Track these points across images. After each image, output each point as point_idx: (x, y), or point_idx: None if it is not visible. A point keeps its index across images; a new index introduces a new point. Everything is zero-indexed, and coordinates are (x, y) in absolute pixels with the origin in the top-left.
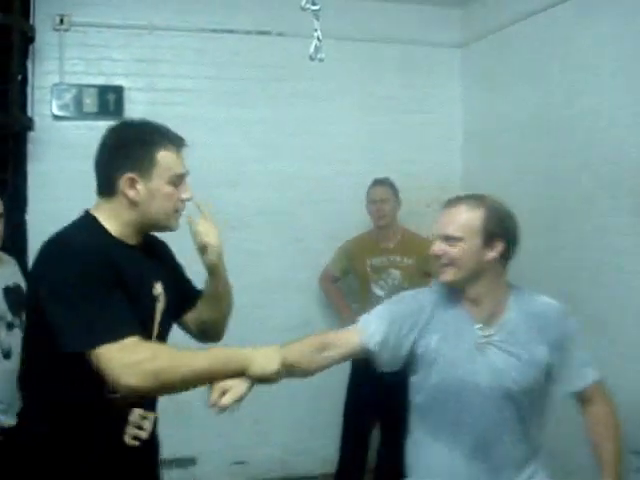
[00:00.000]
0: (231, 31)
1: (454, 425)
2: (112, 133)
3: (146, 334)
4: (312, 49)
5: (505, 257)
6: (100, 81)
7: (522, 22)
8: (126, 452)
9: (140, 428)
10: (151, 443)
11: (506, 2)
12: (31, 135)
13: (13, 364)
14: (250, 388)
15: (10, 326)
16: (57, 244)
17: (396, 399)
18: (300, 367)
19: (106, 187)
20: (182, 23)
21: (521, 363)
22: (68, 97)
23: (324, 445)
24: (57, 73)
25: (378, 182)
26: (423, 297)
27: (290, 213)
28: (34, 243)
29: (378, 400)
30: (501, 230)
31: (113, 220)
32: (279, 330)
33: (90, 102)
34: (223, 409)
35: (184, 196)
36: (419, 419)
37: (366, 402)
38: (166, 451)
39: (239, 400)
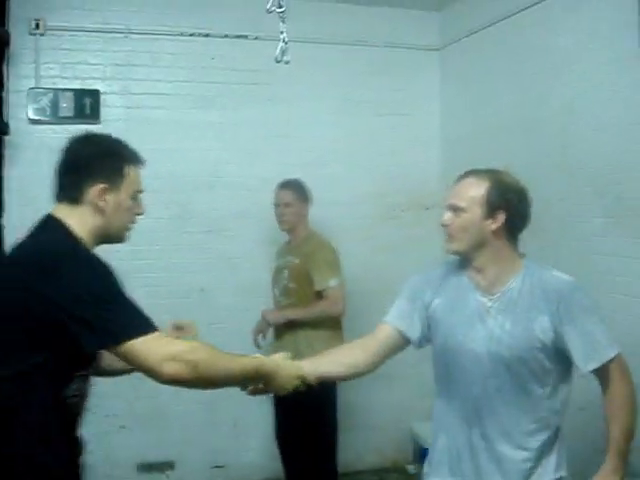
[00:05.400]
0: (207, 35)
1: (450, 387)
2: (82, 144)
3: None
4: (278, 51)
5: (509, 229)
6: (76, 85)
7: (498, 24)
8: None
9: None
10: None
11: (483, 5)
12: (7, 139)
13: None
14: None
15: None
16: (56, 254)
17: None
18: (331, 376)
19: (74, 194)
20: (158, 27)
21: (517, 330)
22: (44, 101)
23: None
24: (33, 77)
25: (283, 185)
26: (432, 272)
27: (266, 218)
28: (10, 247)
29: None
30: (503, 202)
31: (80, 227)
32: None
33: (66, 106)
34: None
35: (139, 211)
36: (435, 376)
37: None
38: (145, 455)
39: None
